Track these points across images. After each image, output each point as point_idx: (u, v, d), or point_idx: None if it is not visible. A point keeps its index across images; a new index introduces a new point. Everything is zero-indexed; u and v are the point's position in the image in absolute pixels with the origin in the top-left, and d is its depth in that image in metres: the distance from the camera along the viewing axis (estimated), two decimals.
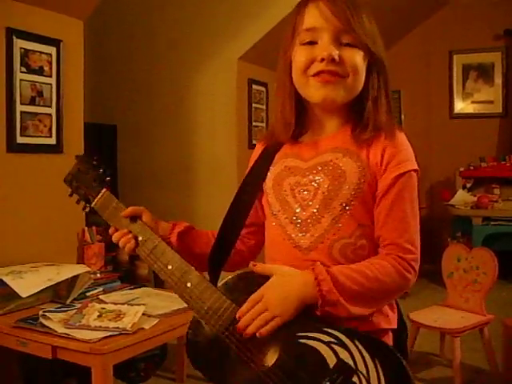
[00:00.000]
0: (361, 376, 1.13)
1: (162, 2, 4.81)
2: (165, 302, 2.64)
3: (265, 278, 1.24)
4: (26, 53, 3.00)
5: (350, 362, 1.13)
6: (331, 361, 1.14)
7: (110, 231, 1.45)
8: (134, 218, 1.42)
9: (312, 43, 1.30)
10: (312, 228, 1.29)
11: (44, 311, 2.35)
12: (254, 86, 4.92)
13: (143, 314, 2.36)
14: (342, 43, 1.28)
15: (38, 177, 3.07)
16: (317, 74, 1.28)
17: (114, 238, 1.43)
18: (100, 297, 2.74)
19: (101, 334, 2.16)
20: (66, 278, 2.62)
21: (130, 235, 1.39)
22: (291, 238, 1.31)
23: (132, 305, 2.47)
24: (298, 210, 1.31)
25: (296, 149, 1.38)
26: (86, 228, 3.36)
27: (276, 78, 1.41)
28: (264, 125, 5.11)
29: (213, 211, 4.69)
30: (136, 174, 4.93)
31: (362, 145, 1.30)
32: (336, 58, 1.26)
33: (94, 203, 1.51)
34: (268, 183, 1.39)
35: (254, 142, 4.91)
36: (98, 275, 3.07)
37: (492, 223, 5.54)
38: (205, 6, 4.65)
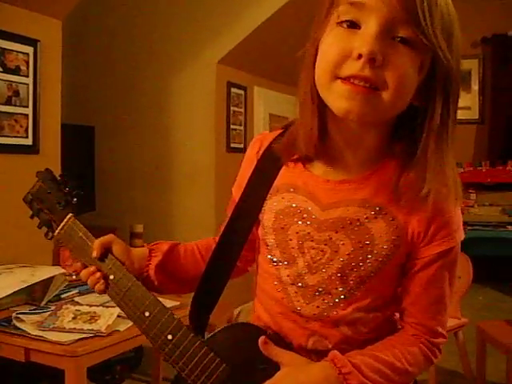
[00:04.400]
0: None
1: (141, 4, 4.79)
2: None
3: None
4: (2, 52, 2.96)
5: None
6: None
7: (76, 267, 1.19)
8: (104, 253, 1.15)
9: (353, 26, 0.92)
10: (319, 298, 1.04)
11: (17, 313, 2.32)
12: (233, 90, 4.92)
13: (118, 316, 2.34)
14: (394, 36, 0.89)
15: (14, 177, 3.04)
16: (347, 79, 0.91)
17: (82, 277, 1.18)
18: (75, 299, 2.72)
19: (75, 336, 2.14)
20: (41, 279, 2.59)
21: (99, 274, 1.14)
22: (291, 302, 1.06)
23: (107, 307, 2.45)
24: (304, 272, 1.04)
25: (310, 182, 1.06)
26: None
27: (300, 70, 1.06)
28: (242, 128, 5.11)
29: (190, 213, 4.68)
30: (114, 176, 4.89)
31: (405, 204, 0.99)
32: (378, 58, 0.88)
33: (57, 231, 1.23)
34: (267, 218, 1.09)
35: (232, 145, 4.91)
36: (74, 277, 3.04)
37: (468, 228, 5.60)
38: (184, 9, 4.64)
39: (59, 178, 1.28)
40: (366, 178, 1.02)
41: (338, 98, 0.92)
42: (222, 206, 5.28)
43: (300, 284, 1.05)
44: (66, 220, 1.22)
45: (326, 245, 1.02)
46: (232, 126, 4.91)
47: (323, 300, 1.04)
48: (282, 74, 5.68)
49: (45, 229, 1.29)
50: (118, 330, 2.27)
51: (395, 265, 1.03)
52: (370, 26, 0.89)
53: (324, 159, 1.06)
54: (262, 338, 1.02)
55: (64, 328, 2.20)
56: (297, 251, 1.05)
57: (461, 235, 1.04)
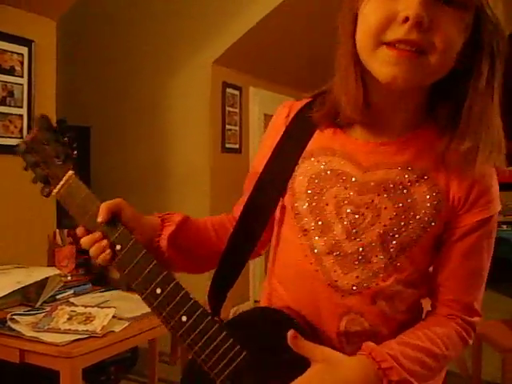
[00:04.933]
0: None
1: (136, 5, 4.78)
2: (136, 304, 2.62)
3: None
4: None
5: None
6: None
7: (79, 232, 1.04)
8: (111, 218, 1.02)
9: None
10: (358, 267, 0.97)
11: (12, 314, 2.32)
12: (229, 90, 4.92)
13: (113, 317, 2.33)
14: None
15: (8, 178, 3.03)
16: (392, 44, 0.87)
17: (84, 244, 1.03)
18: (70, 299, 2.71)
19: (70, 337, 2.13)
20: (36, 280, 2.58)
21: (105, 242, 1.01)
22: (327, 273, 0.98)
23: (102, 307, 2.45)
24: (342, 238, 0.97)
25: (348, 144, 1.01)
26: (57, 230, 3.32)
27: (338, 35, 1.01)
28: (237, 128, 5.11)
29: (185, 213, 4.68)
30: (110, 177, 4.89)
31: (447, 169, 0.96)
32: (425, 21, 0.84)
33: (56, 190, 1.08)
34: (299, 184, 1.02)
35: (227, 145, 4.91)
36: (69, 278, 3.03)
37: None
38: (179, 9, 4.64)
39: (56, 127, 1.12)
40: (407, 140, 0.99)
41: (384, 65, 0.89)
42: (217, 206, 5.31)
43: (337, 252, 0.98)
44: (66, 177, 1.07)
45: (367, 208, 0.97)
46: (227, 127, 4.92)
47: (363, 269, 0.97)
48: (278, 74, 5.68)
49: (40, 184, 1.12)
50: (113, 331, 2.26)
51: (433, 234, 0.98)
52: None
53: (362, 122, 1.01)
54: (291, 333, 0.90)
55: (59, 329, 2.20)
56: (334, 217, 0.98)
57: (499, 204, 1.00)
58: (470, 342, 1.02)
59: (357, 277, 0.97)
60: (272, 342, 0.95)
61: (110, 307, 2.45)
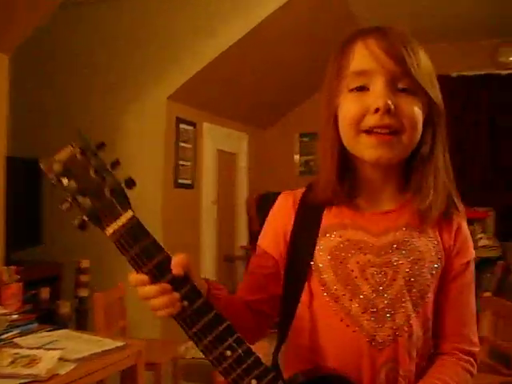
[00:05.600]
0: None
1: (90, 39, 4.77)
2: (84, 345, 2.55)
3: None
4: None
5: None
6: None
7: (139, 280, 0.97)
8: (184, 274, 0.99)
9: (362, 89, 1.10)
10: (390, 319, 1.10)
11: None
12: (182, 125, 4.92)
13: (60, 359, 2.26)
14: (397, 88, 1.08)
15: None
16: (370, 131, 1.08)
17: (149, 293, 0.96)
18: (15, 340, 2.62)
19: (13, 382, 2.06)
20: None
21: (177, 295, 0.96)
22: (365, 330, 1.09)
23: (48, 349, 2.38)
24: (373, 297, 1.10)
25: (355, 218, 1.16)
26: (5, 268, 3.23)
27: (319, 128, 1.19)
28: (190, 164, 5.09)
29: None
30: (62, 213, 4.78)
31: (435, 222, 1.15)
32: (392, 107, 1.05)
33: (111, 230, 0.98)
34: (321, 260, 1.14)
35: (179, 180, 4.89)
36: (15, 317, 2.94)
37: None
38: (134, 45, 4.64)
39: (97, 150, 1.02)
40: (402, 207, 1.17)
41: (367, 149, 1.09)
42: (168, 240, 5.25)
43: (371, 309, 1.10)
44: (126, 217, 0.98)
45: (387, 267, 1.11)
46: (180, 162, 4.90)
47: (394, 320, 1.10)
48: (231, 111, 5.73)
49: (78, 216, 1.00)
50: (59, 374, 2.19)
51: (438, 278, 1.15)
52: (378, 85, 1.08)
53: (360, 200, 1.18)
54: None
55: (1, 374, 2.12)
56: (360, 279, 1.11)
57: (473, 252, 1.20)
58: (475, 372, 1.16)
59: (390, 328, 1.10)
60: None
61: (56, 348, 2.38)
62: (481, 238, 5.86)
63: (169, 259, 0.98)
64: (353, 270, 1.11)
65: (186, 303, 0.96)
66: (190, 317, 0.97)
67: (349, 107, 1.10)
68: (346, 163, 1.16)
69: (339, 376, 1.09)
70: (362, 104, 1.09)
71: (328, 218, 1.17)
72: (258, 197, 6.37)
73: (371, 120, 1.07)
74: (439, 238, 1.16)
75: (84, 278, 4.31)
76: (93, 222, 0.99)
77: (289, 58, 5.27)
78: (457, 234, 1.18)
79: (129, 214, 0.98)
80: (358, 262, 1.12)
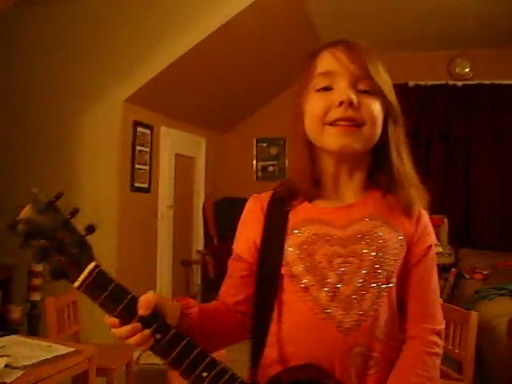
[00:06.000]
0: None
1: (45, 39, 4.68)
2: (34, 351, 2.50)
3: None
4: None
5: None
6: None
7: (111, 322, 1.06)
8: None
9: (328, 89, 1.22)
10: (357, 305, 1.18)
11: None
12: (139, 129, 4.87)
13: (6, 366, 2.21)
14: (359, 90, 1.21)
15: None
16: (334, 123, 1.19)
17: (123, 334, 1.05)
18: None
19: None
20: None
21: (148, 332, 1.04)
22: (333, 317, 1.18)
23: None
24: (339, 285, 1.19)
25: (321, 213, 1.26)
26: None
27: (290, 129, 1.31)
28: (147, 168, 5.05)
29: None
30: (13, 214, 4.68)
31: (397, 210, 1.25)
32: (355, 101, 1.18)
33: (78, 283, 1.06)
34: (291, 254, 1.22)
35: (136, 184, 4.84)
36: None
37: None
38: (92, 46, 4.58)
39: (54, 201, 1.10)
40: (365, 199, 1.27)
41: (331, 138, 1.20)
42: (124, 244, 5.19)
43: (338, 296, 1.18)
44: (88, 271, 1.05)
45: (353, 256, 1.20)
46: (137, 166, 4.85)
47: (361, 305, 1.18)
48: (189, 115, 5.71)
49: (45, 268, 1.06)
50: (5, 382, 2.14)
51: (401, 263, 1.24)
52: (342, 83, 1.20)
53: (325, 196, 1.28)
54: None
55: None
56: (329, 270, 1.19)
57: (434, 235, 1.31)
58: (441, 351, 1.26)
59: (357, 313, 1.18)
60: None
61: (3, 356, 2.32)
62: (435, 245, 5.96)
63: (135, 300, 1.05)
64: (321, 262, 1.20)
65: (158, 336, 1.04)
66: (164, 348, 1.05)
67: (314, 105, 1.22)
68: (313, 161, 1.27)
69: (311, 369, 1.17)
70: (326, 100, 1.20)
71: (295, 216, 1.26)
72: (215, 201, 6.36)
73: (335, 113, 1.18)
74: (401, 226, 1.25)
75: (36, 282, 4.22)
76: (60, 278, 1.06)
77: (248, 63, 5.28)
78: (418, 221, 1.27)
79: (91, 265, 1.05)
80: (325, 254, 1.20)
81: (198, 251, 6.33)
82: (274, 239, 1.25)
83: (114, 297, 1.04)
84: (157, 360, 1.11)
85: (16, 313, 4.01)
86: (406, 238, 1.24)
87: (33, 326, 4.07)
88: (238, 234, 1.35)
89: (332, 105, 1.19)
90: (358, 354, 1.18)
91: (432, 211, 4.98)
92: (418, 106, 6.41)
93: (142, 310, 1.04)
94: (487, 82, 6.23)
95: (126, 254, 4.70)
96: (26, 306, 4.14)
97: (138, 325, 1.03)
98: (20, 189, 4.68)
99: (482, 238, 6.22)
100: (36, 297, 4.14)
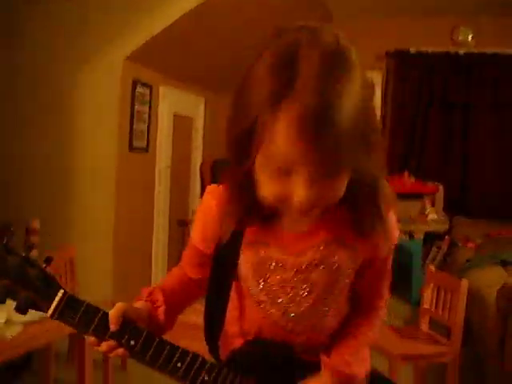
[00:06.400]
0: None
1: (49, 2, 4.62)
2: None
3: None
4: None
5: None
6: None
7: (91, 341, 1.15)
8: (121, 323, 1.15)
9: (286, 172, 0.98)
10: (307, 319, 1.25)
11: None
12: (139, 88, 4.85)
13: (6, 322, 2.26)
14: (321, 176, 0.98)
15: None
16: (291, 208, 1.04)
17: (102, 350, 1.15)
18: None
19: None
20: None
21: (122, 350, 1.15)
22: (283, 328, 1.26)
23: None
24: (291, 305, 1.23)
25: (278, 238, 1.20)
26: None
27: (227, 152, 1.10)
28: (146, 127, 5.04)
29: (89, 211, 4.60)
30: (11, 168, 4.70)
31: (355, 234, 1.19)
32: (316, 204, 1.02)
33: (51, 312, 1.12)
34: (246, 271, 1.24)
35: (134, 144, 4.84)
36: None
37: None
38: (94, 4, 4.52)
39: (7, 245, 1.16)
40: (321, 223, 1.19)
41: (289, 216, 1.15)
42: (122, 204, 5.21)
43: (288, 315, 1.23)
44: (60, 295, 1.12)
45: (304, 283, 1.21)
46: (135, 125, 4.84)
47: (310, 320, 1.25)
48: (189, 74, 5.67)
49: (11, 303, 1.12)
50: (5, 336, 2.19)
51: (353, 279, 1.27)
52: (301, 177, 0.97)
53: (284, 218, 1.19)
54: None
55: None
56: (281, 293, 1.22)
57: (396, 237, 1.27)
58: (384, 316, 1.37)
59: (306, 325, 1.25)
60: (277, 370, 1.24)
61: (1, 311, 2.37)
62: (429, 213, 6.01)
63: (106, 316, 1.14)
64: (273, 285, 1.22)
65: (132, 343, 1.14)
66: (139, 352, 1.14)
67: (270, 187, 1.02)
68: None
69: (274, 342, 1.26)
70: (282, 191, 1.00)
71: (252, 232, 1.20)
72: (212, 162, 6.37)
73: (292, 207, 1.02)
74: (361, 250, 1.22)
75: (34, 239, 4.25)
76: (32, 309, 1.13)
77: (249, 23, 5.23)
78: (378, 243, 1.20)
79: (60, 293, 1.12)
80: (278, 281, 1.21)
81: (194, 211, 6.36)
82: (228, 252, 1.23)
83: (85, 318, 1.13)
84: None
85: None
86: (362, 253, 1.22)
87: None
88: (195, 225, 1.31)
89: (291, 195, 1.00)
90: (306, 348, 1.27)
91: (428, 178, 5.05)
92: (419, 73, 6.39)
93: (113, 326, 1.13)
94: (490, 51, 6.18)
95: (124, 212, 4.74)
96: None
97: (112, 342, 1.13)
98: (18, 140, 4.71)
99: (476, 207, 6.27)
100: (33, 254, 4.17)
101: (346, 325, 1.32)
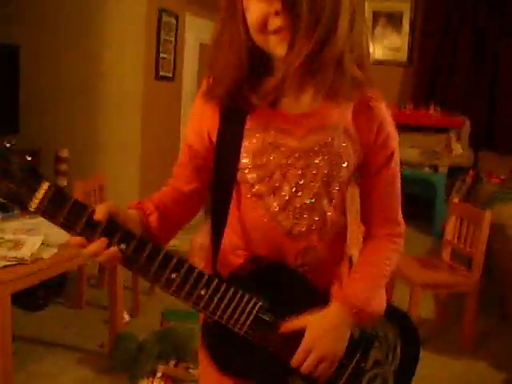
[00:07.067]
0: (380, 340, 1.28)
1: None
2: (64, 232, 2.63)
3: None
4: None
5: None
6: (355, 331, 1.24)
7: (75, 242, 1.02)
8: (110, 219, 1.03)
9: None
10: (307, 215, 1.20)
11: None
12: (164, 17, 4.81)
13: (42, 244, 2.35)
14: None
15: None
16: (278, 31, 1.05)
17: (90, 253, 1.02)
18: None
19: None
20: None
21: (114, 249, 1.03)
22: (282, 226, 1.20)
23: (31, 235, 2.45)
24: (292, 196, 1.19)
25: (279, 120, 1.18)
26: None
27: (220, 21, 1.16)
28: (172, 57, 5.03)
29: (116, 140, 4.66)
30: (40, 98, 4.75)
31: (358, 118, 1.19)
32: (287, 28, 1.04)
33: (34, 205, 1.00)
34: (245, 160, 1.19)
35: (161, 73, 4.85)
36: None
37: None
38: None
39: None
40: (325, 108, 1.17)
41: (277, 47, 1.07)
42: (148, 132, 5.25)
43: (289, 207, 1.19)
44: (45, 187, 1.00)
45: (307, 169, 1.17)
46: (161, 55, 4.83)
47: (310, 216, 1.20)
48: (214, 2, 5.57)
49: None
50: (42, 258, 2.28)
51: (352, 172, 1.23)
52: None
53: (285, 99, 1.17)
54: (282, 327, 1.17)
55: None
56: (282, 181, 1.18)
57: (397, 142, 1.26)
58: (402, 249, 1.31)
59: (306, 223, 1.20)
60: (278, 291, 1.19)
61: (39, 235, 2.46)
62: (455, 147, 5.96)
63: (94, 213, 1.02)
64: (274, 172, 1.18)
65: (123, 246, 1.03)
66: (131, 257, 1.04)
67: (253, 14, 1.07)
68: (262, 61, 1.14)
69: (275, 263, 1.22)
70: (263, 9, 1.05)
71: (252, 119, 1.18)
72: None
73: (275, 22, 1.05)
74: (360, 134, 1.20)
75: (63, 168, 4.33)
76: (14, 203, 1.01)
77: None
78: (379, 128, 1.21)
79: (45, 185, 1.00)
80: (279, 165, 1.17)
81: None
82: (229, 143, 1.20)
83: (73, 214, 1.00)
84: None
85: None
86: (363, 147, 1.21)
87: None
88: (190, 125, 1.28)
89: (269, 13, 1.04)
90: (306, 255, 1.23)
91: (454, 111, 4.98)
92: (448, 6, 6.22)
93: (97, 216, 1.01)
94: None
95: (150, 140, 4.79)
96: None
97: (104, 239, 1.02)
98: (46, 70, 4.73)
99: (502, 143, 6.19)
100: (62, 182, 4.27)
101: (362, 251, 1.31)
